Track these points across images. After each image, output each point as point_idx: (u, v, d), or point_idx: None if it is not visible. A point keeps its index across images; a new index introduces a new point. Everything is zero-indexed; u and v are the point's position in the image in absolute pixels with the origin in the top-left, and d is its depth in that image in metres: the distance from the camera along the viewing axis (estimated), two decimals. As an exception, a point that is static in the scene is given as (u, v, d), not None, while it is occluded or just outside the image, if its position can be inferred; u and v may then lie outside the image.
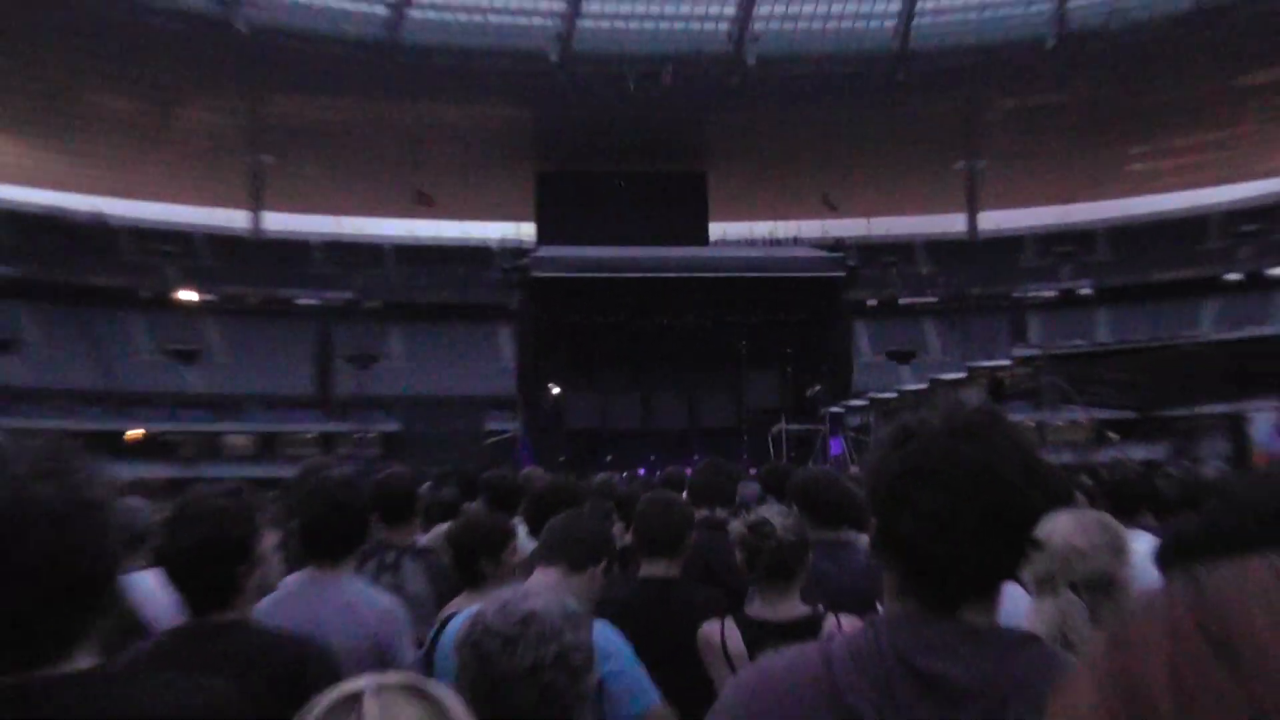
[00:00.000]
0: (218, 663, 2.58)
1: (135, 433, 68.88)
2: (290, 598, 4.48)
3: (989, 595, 1.91)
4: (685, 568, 5.77)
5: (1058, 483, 1.92)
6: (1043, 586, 3.28)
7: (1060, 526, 3.35)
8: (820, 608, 4.36)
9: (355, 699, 1.44)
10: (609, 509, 7.19)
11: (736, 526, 4.58)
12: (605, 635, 4.07)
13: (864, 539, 5.92)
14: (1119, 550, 3.42)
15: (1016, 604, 3.27)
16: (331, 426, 67.37)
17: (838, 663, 1.86)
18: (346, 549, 4.84)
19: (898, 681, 1.78)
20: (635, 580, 5.23)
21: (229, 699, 2.16)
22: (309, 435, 71.18)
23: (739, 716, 1.94)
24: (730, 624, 4.24)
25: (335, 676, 3.62)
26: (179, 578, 3.63)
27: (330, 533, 4.72)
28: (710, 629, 4.26)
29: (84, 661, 1.97)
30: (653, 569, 5.23)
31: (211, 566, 3.59)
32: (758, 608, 4.31)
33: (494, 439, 49.14)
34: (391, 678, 1.45)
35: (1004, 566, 1.91)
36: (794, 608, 4.29)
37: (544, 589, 3.19)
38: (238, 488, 3.83)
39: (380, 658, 4.60)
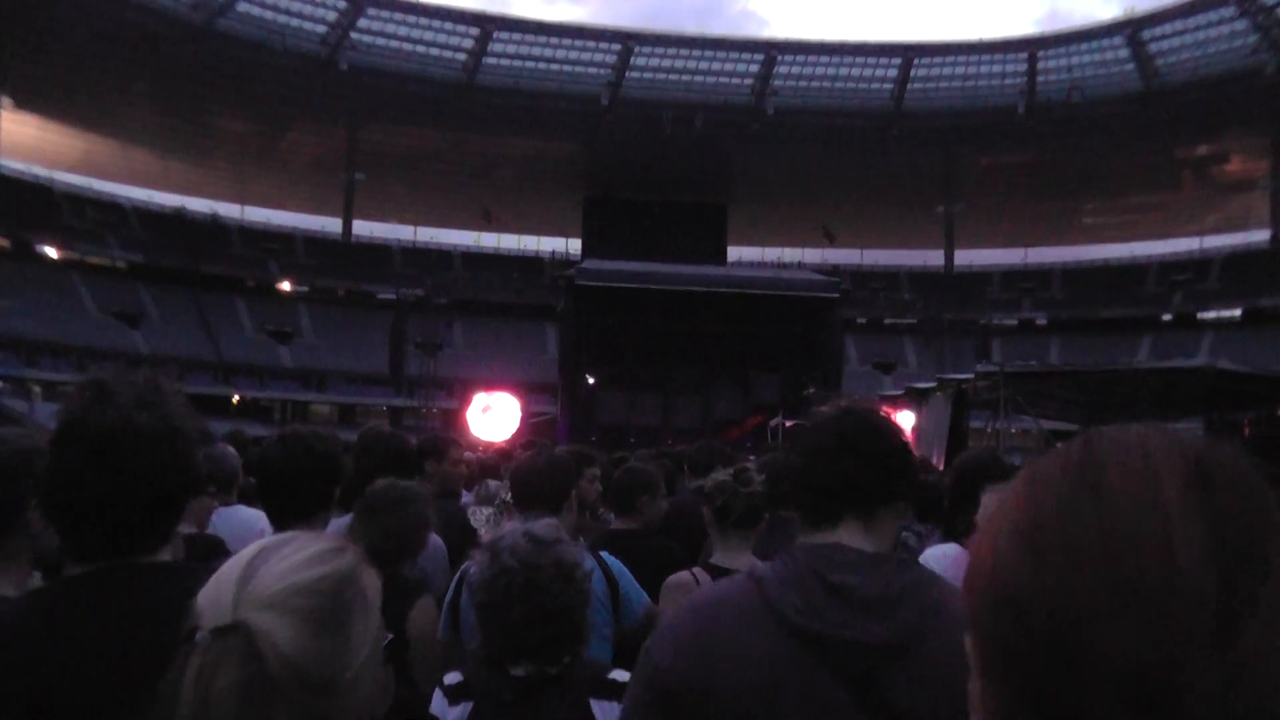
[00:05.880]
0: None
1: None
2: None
3: (862, 516, 2.18)
4: (679, 527, 5.78)
5: (900, 454, 2.27)
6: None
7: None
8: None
9: (193, 635, 1.26)
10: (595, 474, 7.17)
11: (717, 474, 4.51)
12: (610, 559, 4.38)
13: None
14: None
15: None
16: (401, 401, 67.46)
17: (767, 582, 2.06)
18: None
19: (815, 591, 2.00)
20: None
21: None
22: (382, 407, 71.34)
23: (683, 634, 2.09)
24: (700, 571, 4.20)
25: (391, 599, 3.61)
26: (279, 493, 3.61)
27: (378, 475, 4.63)
28: (682, 576, 4.22)
29: (165, 556, 2.11)
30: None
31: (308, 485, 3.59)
32: (719, 558, 4.27)
33: (536, 419, 49.11)
34: (240, 613, 1.25)
35: (866, 492, 2.18)
36: (750, 560, 4.23)
37: (515, 526, 3.21)
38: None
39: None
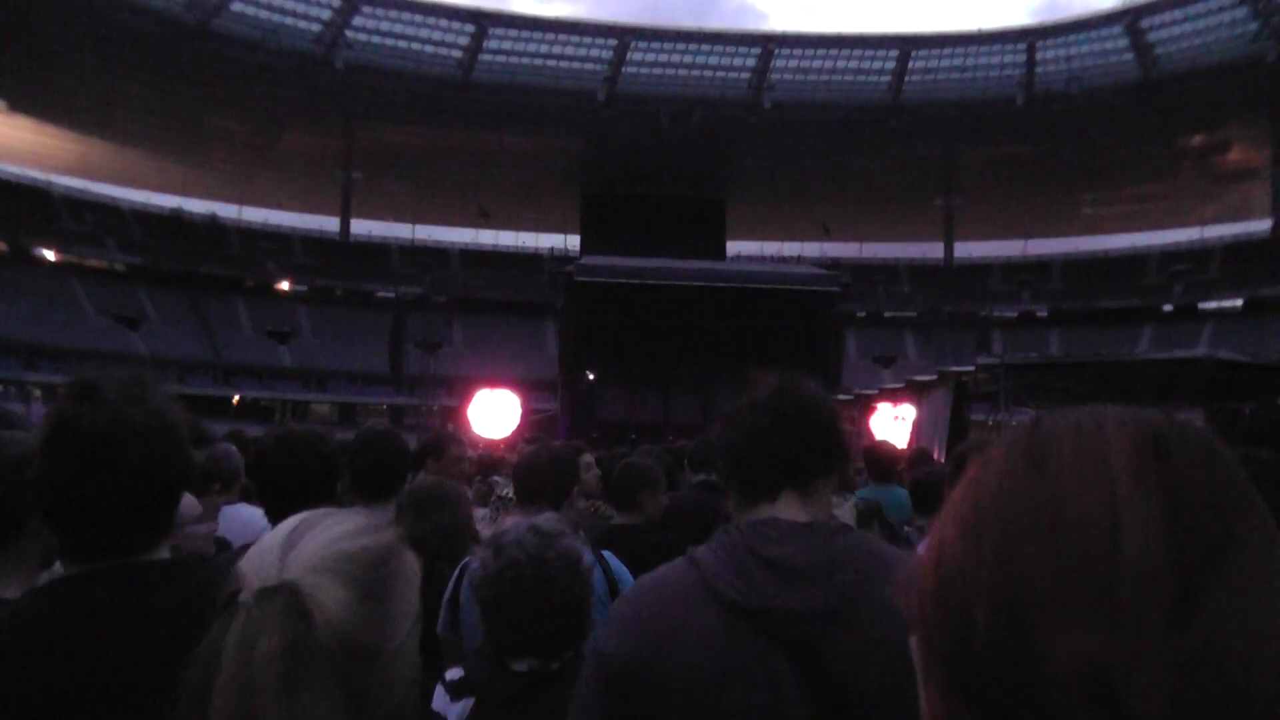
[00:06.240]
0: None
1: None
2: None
3: (798, 489, 2.23)
4: (683, 520, 5.78)
5: (832, 428, 2.38)
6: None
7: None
8: None
9: (234, 599, 1.26)
10: (589, 462, 7.23)
11: None
12: (610, 557, 4.31)
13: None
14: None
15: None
16: (401, 400, 67.55)
17: (703, 562, 2.12)
18: (389, 488, 4.65)
19: (751, 566, 2.06)
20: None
21: None
22: (382, 406, 71.40)
23: (626, 620, 2.15)
24: None
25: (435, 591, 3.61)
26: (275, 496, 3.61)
27: (374, 474, 4.61)
28: None
29: (163, 553, 2.09)
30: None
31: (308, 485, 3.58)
32: None
33: (537, 415, 49.15)
34: (287, 575, 1.24)
35: (801, 466, 2.23)
36: None
37: (518, 520, 3.22)
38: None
39: None
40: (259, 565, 1.28)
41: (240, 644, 1.20)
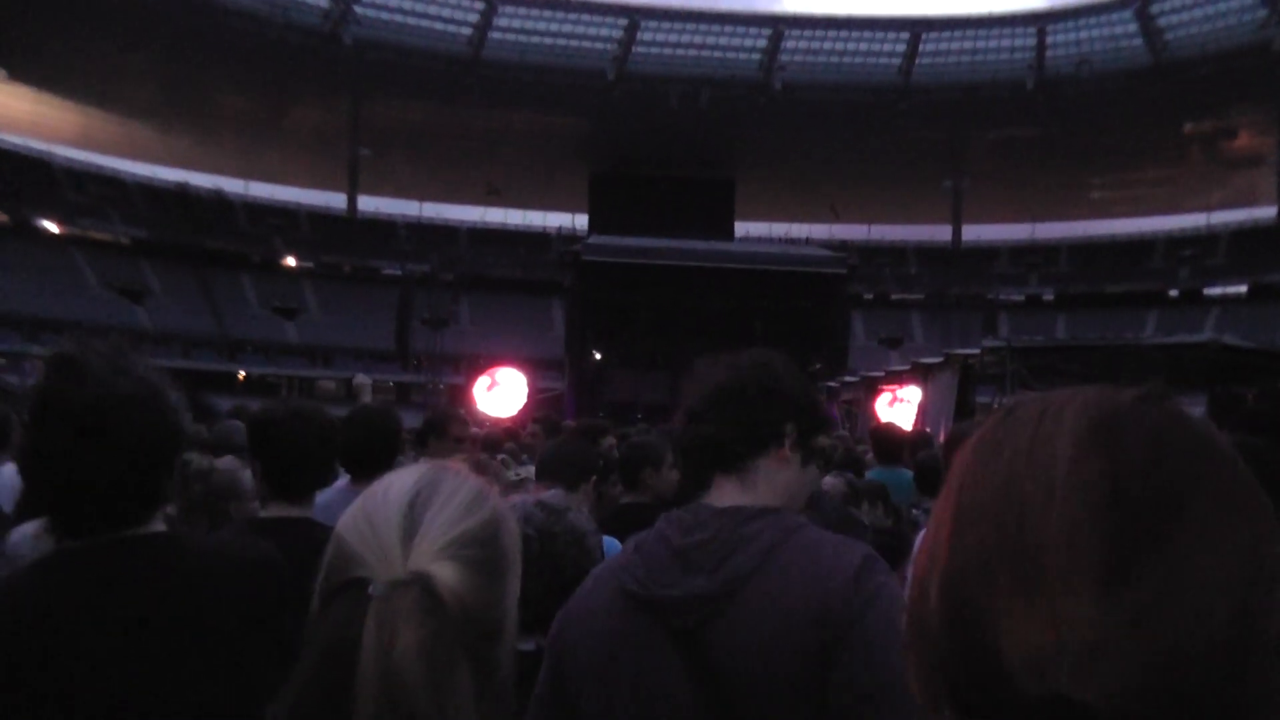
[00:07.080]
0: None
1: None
2: (331, 504, 4.38)
3: (733, 471, 2.18)
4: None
5: (763, 402, 2.24)
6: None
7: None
8: None
9: (363, 587, 1.23)
10: (611, 443, 7.25)
11: None
12: (609, 541, 4.36)
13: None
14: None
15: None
16: (408, 377, 67.47)
17: (624, 554, 2.15)
18: (379, 466, 4.49)
19: (662, 557, 2.05)
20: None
21: (273, 552, 2.26)
22: (388, 383, 71.33)
23: (565, 610, 2.24)
24: None
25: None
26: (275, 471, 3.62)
27: (364, 451, 4.64)
28: None
29: (158, 527, 2.10)
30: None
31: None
32: None
33: (544, 394, 49.14)
34: (415, 565, 1.23)
35: (727, 449, 2.19)
36: None
37: (523, 496, 3.25)
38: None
39: None
40: (377, 548, 1.26)
41: (379, 636, 1.18)
